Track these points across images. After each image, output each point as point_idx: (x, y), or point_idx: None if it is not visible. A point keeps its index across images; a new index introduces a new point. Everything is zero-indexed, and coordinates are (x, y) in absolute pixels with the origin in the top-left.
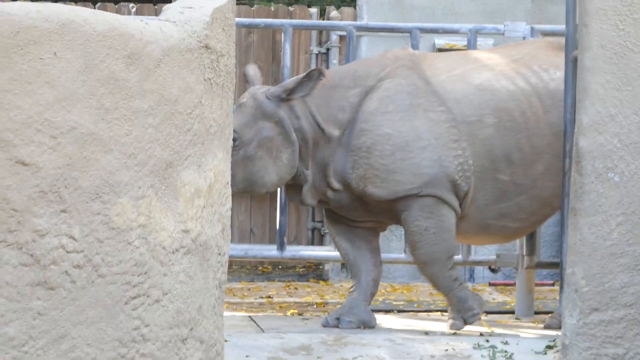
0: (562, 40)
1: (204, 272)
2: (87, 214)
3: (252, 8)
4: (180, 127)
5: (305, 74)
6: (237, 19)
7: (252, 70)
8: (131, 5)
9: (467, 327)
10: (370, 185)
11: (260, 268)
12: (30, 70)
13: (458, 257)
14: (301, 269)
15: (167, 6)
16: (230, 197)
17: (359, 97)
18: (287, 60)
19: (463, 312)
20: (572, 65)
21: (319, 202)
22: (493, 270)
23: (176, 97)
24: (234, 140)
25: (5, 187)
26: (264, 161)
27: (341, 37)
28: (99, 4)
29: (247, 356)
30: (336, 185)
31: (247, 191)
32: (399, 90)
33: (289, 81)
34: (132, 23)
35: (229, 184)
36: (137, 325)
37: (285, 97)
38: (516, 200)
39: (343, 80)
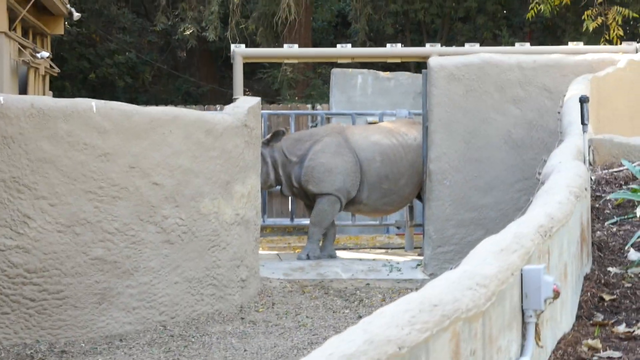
0: (418, 119)
1: (247, 234)
2: (188, 207)
3: (279, 105)
4: (233, 164)
5: (274, 132)
6: (269, 110)
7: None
8: (218, 106)
9: (380, 255)
10: (310, 185)
11: (287, 229)
12: (158, 139)
13: (375, 222)
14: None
15: (226, 107)
16: (260, 196)
17: (310, 144)
18: (292, 130)
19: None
20: (426, 130)
21: (292, 194)
22: (398, 227)
23: (230, 150)
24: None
25: (148, 196)
26: (263, 171)
27: (326, 117)
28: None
29: (273, 273)
30: (295, 185)
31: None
32: (331, 143)
33: (269, 135)
34: (208, 114)
35: (259, 191)
36: (215, 260)
37: (267, 144)
38: (392, 197)
39: (303, 137)
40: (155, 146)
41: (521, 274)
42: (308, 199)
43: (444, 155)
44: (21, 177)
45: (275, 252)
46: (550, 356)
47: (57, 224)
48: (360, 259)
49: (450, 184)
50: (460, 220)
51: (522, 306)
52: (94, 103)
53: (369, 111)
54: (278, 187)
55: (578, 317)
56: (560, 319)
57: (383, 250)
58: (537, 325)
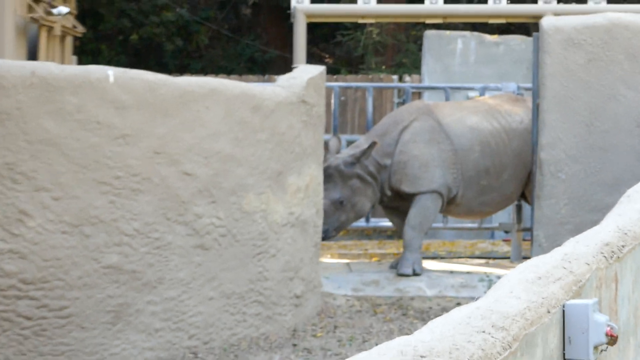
0: (529, 95)
1: (304, 238)
2: (228, 204)
3: (358, 76)
4: (286, 149)
5: (367, 146)
6: (340, 83)
7: (333, 142)
8: (266, 76)
9: (479, 266)
10: (403, 185)
11: (365, 232)
12: (191, 117)
13: (474, 224)
14: (390, 232)
15: (280, 77)
16: (322, 191)
17: (398, 134)
18: (369, 107)
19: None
20: (536, 108)
21: (384, 205)
22: (506, 232)
23: (284, 132)
24: (342, 202)
25: (176, 188)
26: (362, 201)
27: (413, 93)
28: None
29: (339, 287)
30: (387, 192)
31: (358, 219)
32: (423, 129)
33: (356, 151)
34: (256, 87)
35: (321, 184)
36: (261, 270)
37: (356, 162)
38: (491, 196)
39: (386, 127)
40: (187, 126)
41: (563, 311)
42: (402, 203)
43: (559, 142)
44: (17, 164)
45: (346, 260)
46: None
47: (62, 222)
48: (452, 272)
49: (566, 178)
50: (578, 224)
51: (563, 356)
52: (111, 72)
53: (468, 85)
54: None
55: None
56: None
57: (483, 261)
58: None
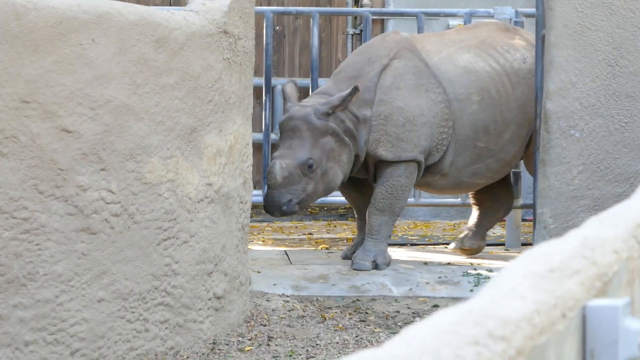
0: (507, 22)
1: (227, 218)
2: (123, 172)
3: None
4: (202, 98)
5: (349, 91)
6: (274, 7)
7: (289, 87)
8: None
9: (459, 257)
10: (381, 148)
11: (309, 210)
12: (72, 54)
13: (456, 199)
14: (342, 210)
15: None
16: (251, 155)
17: (377, 75)
18: (314, 41)
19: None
20: (541, 42)
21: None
22: None
23: (198, 74)
24: (311, 165)
25: (52, 151)
26: (334, 169)
27: (373, 20)
28: None
29: (274, 284)
30: (362, 157)
31: (327, 195)
32: (407, 70)
33: (333, 99)
34: (160, 13)
35: (250, 145)
36: (168, 262)
37: (332, 113)
38: (486, 162)
39: (362, 68)
40: (66, 66)
41: (583, 316)
42: (368, 174)
43: (572, 87)
44: None
45: (283, 248)
46: None
47: None
48: (426, 263)
49: (581, 137)
50: (597, 199)
51: None
52: None
53: (449, 10)
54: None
55: None
56: None
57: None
58: None
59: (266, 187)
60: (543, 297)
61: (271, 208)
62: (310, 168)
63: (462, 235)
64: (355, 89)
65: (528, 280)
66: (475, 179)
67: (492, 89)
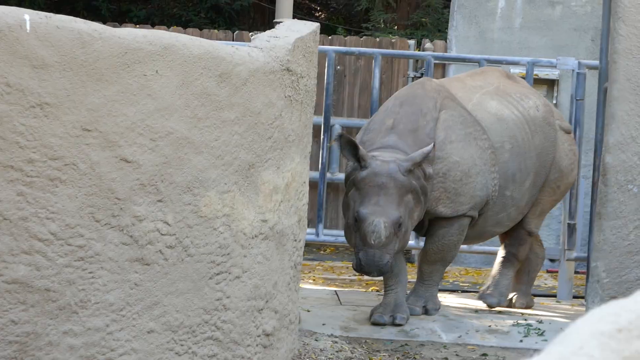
0: (507, 68)
1: (280, 255)
2: (180, 204)
3: (361, 38)
4: (262, 134)
5: (429, 148)
6: (337, 47)
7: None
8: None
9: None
10: (441, 206)
11: None
12: (135, 84)
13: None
14: None
15: (257, 35)
16: (307, 194)
17: (433, 130)
18: (376, 82)
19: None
20: (603, 95)
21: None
22: (552, 261)
23: (259, 110)
24: (401, 224)
25: (110, 180)
26: (409, 227)
27: (435, 65)
28: (192, 29)
29: (323, 324)
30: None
31: (400, 251)
32: (455, 121)
33: (415, 155)
34: (224, 48)
35: (306, 183)
36: (220, 296)
37: (413, 170)
38: (509, 211)
39: (418, 120)
40: (129, 96)
41: None
42: (420, 229)
43: (632, 141)
44: None
45: (333, 288)
46: None
47: None
48: (477, 311)
49: (639, 192)
50: None
51: None
52: (27, 16)
53: (512, 58)
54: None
55: None
56: None
57: None
58: None
59: (362, 246)
60: (610, 357)
61: (371, 268)
62: (400, 227)
63: (510, 295)
64: (433, 146)
65: (595, 339)
66: (497, 227)
67: (519, 136)
